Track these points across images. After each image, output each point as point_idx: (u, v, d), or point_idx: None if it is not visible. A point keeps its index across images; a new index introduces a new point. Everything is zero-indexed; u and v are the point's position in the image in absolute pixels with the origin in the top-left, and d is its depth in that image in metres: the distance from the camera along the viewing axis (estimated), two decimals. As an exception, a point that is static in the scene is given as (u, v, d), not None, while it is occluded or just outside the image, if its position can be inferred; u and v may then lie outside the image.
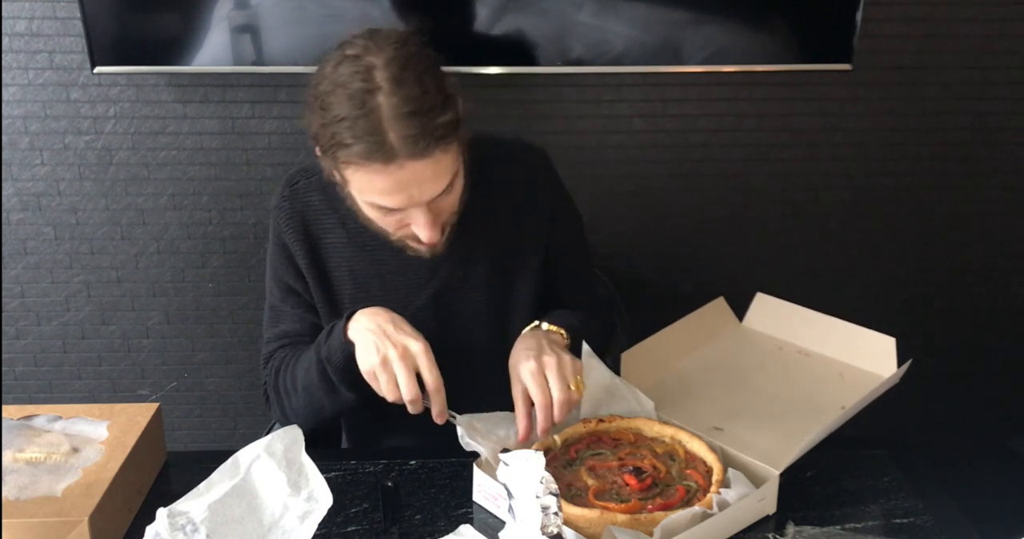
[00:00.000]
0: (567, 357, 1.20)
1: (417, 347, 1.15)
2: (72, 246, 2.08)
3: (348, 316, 1.22)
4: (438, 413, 1.17)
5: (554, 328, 1.29)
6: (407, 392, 1.14)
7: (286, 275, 1.36)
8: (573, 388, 1.18)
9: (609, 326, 1.55)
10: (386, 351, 1.15)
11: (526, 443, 1.20)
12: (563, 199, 1.43)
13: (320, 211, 1.34)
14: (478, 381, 1.24)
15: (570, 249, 1.44)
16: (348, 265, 1.35)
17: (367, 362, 1.16)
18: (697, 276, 2.17)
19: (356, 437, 1.51)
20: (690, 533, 1.04)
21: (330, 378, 1.24)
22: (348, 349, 1.20)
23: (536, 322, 1.31)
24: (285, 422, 1.32)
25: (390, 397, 1.16)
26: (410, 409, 1.16)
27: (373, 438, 1.49)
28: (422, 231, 1.18)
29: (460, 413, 1.19)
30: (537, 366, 1.17)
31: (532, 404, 1.18)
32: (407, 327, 1.18)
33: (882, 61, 2.02)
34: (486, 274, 1.36)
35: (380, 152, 1.09)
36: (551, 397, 1.16)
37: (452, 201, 1.22)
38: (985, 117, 2.09)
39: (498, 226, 1.36)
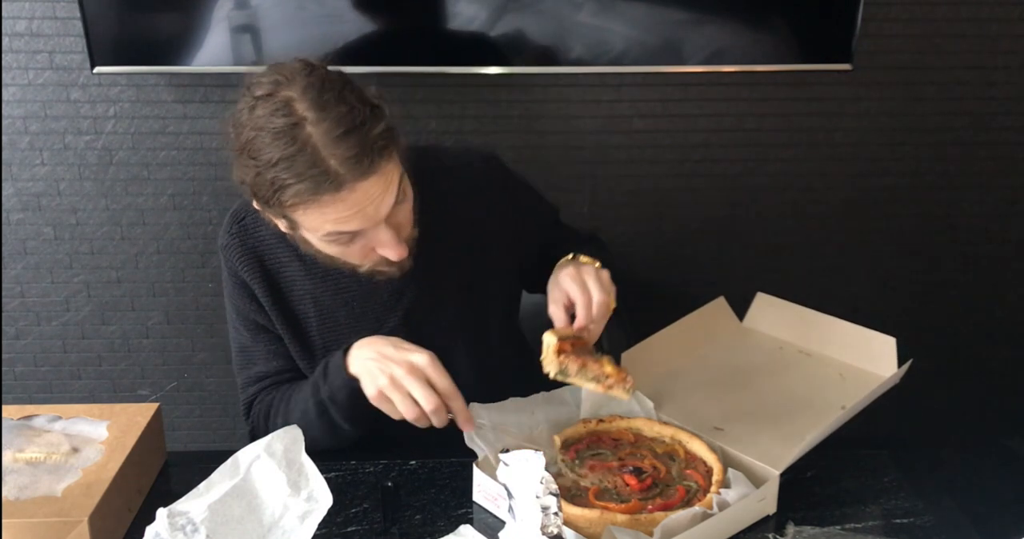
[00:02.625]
0: (605, 272, 1.23)
1: (422, 359, 1.13)
2: (72, 246, 2.08)
3: (344, 352, 1.19)
4: (464, 420, 1.16)
5: (587, 259, 1.27)
6: (428, 403, 1.12)
7: (251, 313, 1.32)
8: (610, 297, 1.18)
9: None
10: (391, 371, 1.13)
11: (526, 443, 1.20)
12: (523, 194, 1.41)
13: (273, 245, 1.30)
14: (461, 393, 1.21)
15: (550, 231, 1.44)
16: (311, 296, 1.31)
17: (373, 386, 1.14)
18: (697, 276, 2.17)
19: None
20: (690, 533, 1.04)
21: (331, 417, 1.22)
22: (352, 385, 1.17)
23: (571, 254, 1.29)
24: None
25: (410, 415, 1.13)
26: (435, 422, 1.14)
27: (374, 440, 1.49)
28: (389, 250, 1.15)
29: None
30: (576, 272, 1.19)
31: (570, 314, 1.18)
32: (407, 344, 1.16)
33: (882, 61, 2.02)
34: (455, 286, 1.34)
35: (327, 182, 1.05)
36: (591, 297, 1.17)
37: (407, 211, 1.19)
38: (985, 117, 2.09)
39: (459, 236, 1.33)
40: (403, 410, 1.13)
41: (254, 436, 1.32)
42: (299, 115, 1.06)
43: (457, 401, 1.14)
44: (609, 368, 1.15)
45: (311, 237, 1.16)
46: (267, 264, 1.30)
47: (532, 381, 1.25)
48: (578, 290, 1.17)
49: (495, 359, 1.38)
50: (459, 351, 1.34)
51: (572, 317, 1.20)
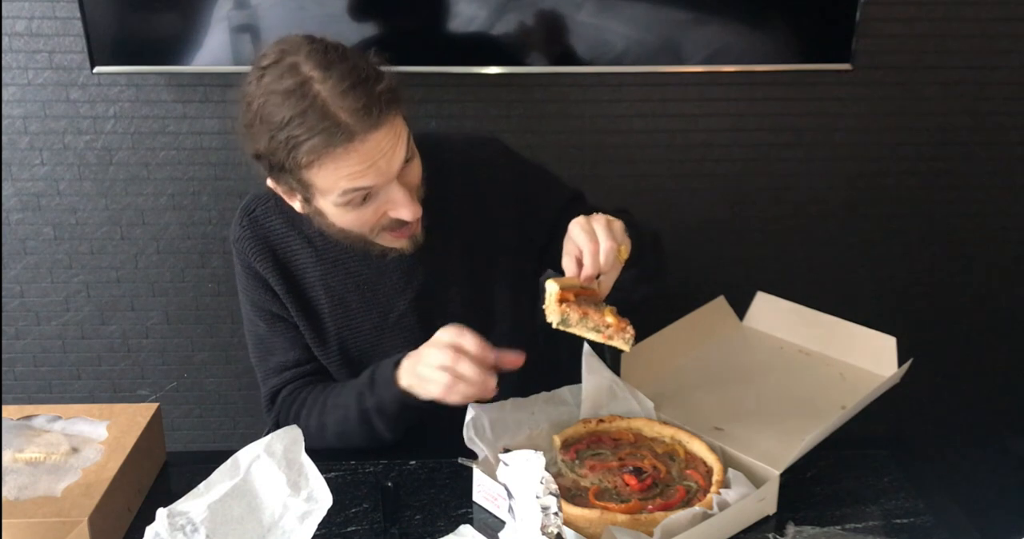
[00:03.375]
0: (617, 221, 1.18)
1: (448, 338, 1.15)
2: (72, 246, 2.08)
3: (395, 364, 1.22)
4: (510, 363, 1.16)
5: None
6: (474, 384, 1.14)
7: (267, 303, 1.34)
8: (620, 246, 1.16)
9: (653, 230, 1.43)
10: (444, 374, 1.14)
11: (527, 444, 1.20)
12: (531, 175, 1.41)
13: (284, 234, 1.33)
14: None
15: (572, 210, 1.39)
16: (323, 283, 1.33)
17: (435, 390, 1.16)
18: (697, 276, 2.17)
19: None
20: (690, 533, 1.04)
21: (374, 425, 1.25)
22: (404, 399, 1.21)
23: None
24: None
25: (478, 389, 1.15)
26: (490, 389, 1.15)
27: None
28: (404, 209, 1.17)
29: (452, 411, 1.19)
30: (586, 221, 1.16)
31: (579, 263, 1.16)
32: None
33: (882, 61, 2.02)
34: (462, 269, 1.35)
35: (339, 134, 1.09)
36: (598, 245, 1.14)
37: (416, 170, 1.22)
38: (985, 117, 2.09)
39: (466, 220, 1.35)
40: (472, 393, 1.15)
41: (277, 426, 1.34)
42: (306, 75, 1.10)
43: (490, 359, 1.15)
44: (611, 318, 1.12)
45: (326, 205, 1.18)
46: (279, 253, 1.33)
47: (543, 367, 1.28)
48: (586, 238, 1.14)
49: (505, 344, 1.39)
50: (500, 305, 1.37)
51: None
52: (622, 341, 1.13)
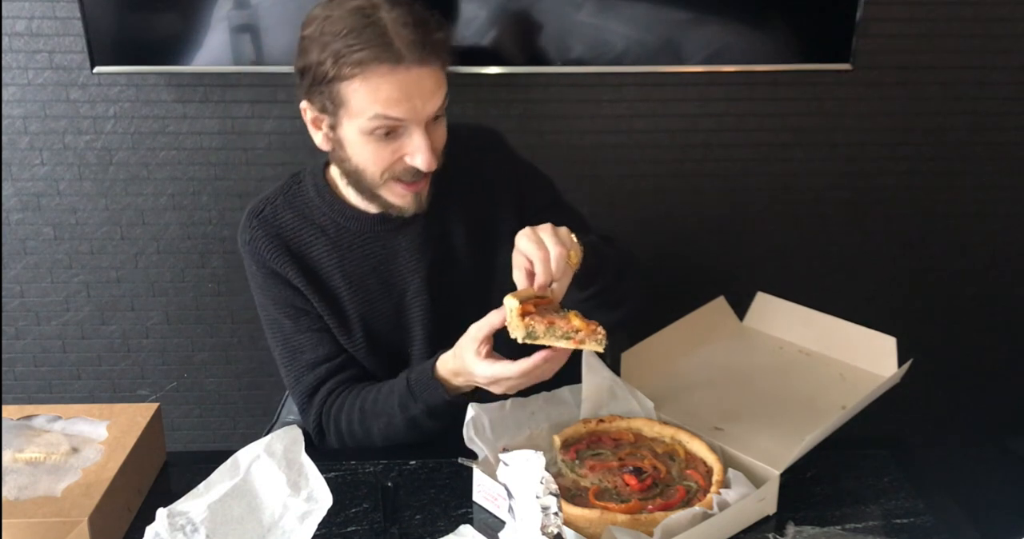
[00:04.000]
0: (563, 228, 1.18)
1: (489, 378, 1.16)
2: (72, 246, 2.08)
3: (432, 368, 1.24)
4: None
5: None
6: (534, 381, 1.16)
7: (289, 298, 1.35)
8: (571, 252, 1.16)
9: (625, 253, 1.44)
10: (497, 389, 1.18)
11: (527, 444, 1.20)
12: (525, 170, 1.45)
13: (297, 227, 1.35)
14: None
15: (551, 209, 1.43)
16: (340, 269, 1.35)
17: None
18: (697, 276, 2.17)
19: None
20: (690, 533, 1.04)
21: (422, 428, 1.28)
22: (454, 400, 1.23)
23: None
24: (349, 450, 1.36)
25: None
26: (554, 368, 1.16)
27: None
28: (422, 155, 1.20)
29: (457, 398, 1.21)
30: (532, 232, 1.16)
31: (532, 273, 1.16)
32: (476, 375, 1.18)
33: (882, 61, 2.02)
34: (468, 249, 1.39)
35: (388, 54, 1.15)
36: (547, 252, 1.13)
37: (442, 133, 1.26)
38: (985, 117, 2.09)
39: (470, 201, 1.39)
40: (540, 373, 1.15)
41: (320, 430, 1.36)
42: (375, 2, 1.18)
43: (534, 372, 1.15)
44: (577, 321, 1.11)
45: (350, 131, 1.22)
46: (293, 247, 1.35)
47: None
48: (535, 248, 1.14)
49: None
50: (471, 310, 1.35)
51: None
52: (595, 343, 1.11)
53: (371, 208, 1.34)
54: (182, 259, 2.11)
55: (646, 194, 2.11)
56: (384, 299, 1.37)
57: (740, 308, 1.48)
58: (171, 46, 1.87)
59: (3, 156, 2.01)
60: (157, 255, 2.10)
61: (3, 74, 1.95)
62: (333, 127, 1.24)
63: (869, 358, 1.32)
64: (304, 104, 1.26)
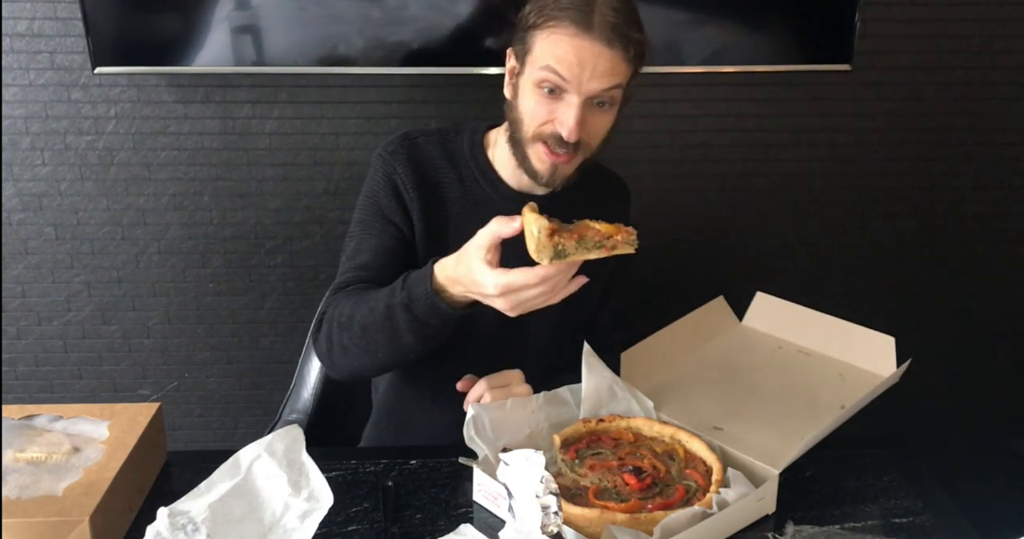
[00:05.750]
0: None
1: (494, 290, 1.10)
2: (73, 246, 2.09)
3: (430, 271, 1.18)
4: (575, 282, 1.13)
5: None
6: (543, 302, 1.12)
7: (392, 212, 1.38)
8: None
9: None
10: (499, 304, 1.12)
11: (527, 443, 1.20)
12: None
13: (440, 165, 1.40)
14: (530, 363, 1.34)
15: (620, 277, 1.51)
16: (458, 219, 1.39)
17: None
18: (697, 276, 2.17)
19: (375, 434, 1.53)
20: (690, 533, 1.04)
21: (396, 322, 1.20)
22: (434, 300, 1.16)
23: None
24: (328, 362, 1.32)
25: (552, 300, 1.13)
26: (560, 296, 1.12)
27: (386, 435, 1.50)
28: (566, 125, 1.24)
29: (452, 411, 1.19)
30: None
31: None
32: (475, 285, 1.12)
33: (882, 61, 2.02)
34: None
35: (583, 20, 1.21)
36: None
37: (602, 124, 1.29)
38: (985, 117, 2.09)
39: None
40: (547, 294, 1.11)
41: (320, 319, 1.33)
42: None
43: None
44: (604, 227, 1.07)
45: (527, 79, 1.27)
46: (428, 178, 1.39)
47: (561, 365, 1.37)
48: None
49: (546, 335, 1.45)
50: (543, 327, 1.41)
51: None
52: (628, 245, 1.08)
53: (512, 180, 1.39)
54: (183, 259, 2.11)
55: (646, 194, 2.11)
56: None
57: (740, 308, 1.49)
58: (172, 47, 1.88)
59: (4, 156, 2.01)
60: (158, 255, 2.10)
61: (4, 75, 1.95)
62: (518, 75, 1.30)
63: (868, 358, 1.33)
64: (509, 51, 1.33)
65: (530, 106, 1.27)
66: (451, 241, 1.36)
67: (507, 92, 1.34)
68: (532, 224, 1.05)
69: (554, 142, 1.27)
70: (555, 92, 1.25)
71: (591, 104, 1.25)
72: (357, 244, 1.39)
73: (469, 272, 1.12)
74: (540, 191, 1.38)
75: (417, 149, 1.40)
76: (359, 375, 1.35)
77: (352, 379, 1.37)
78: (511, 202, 1.37)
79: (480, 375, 1.32)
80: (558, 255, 1.05)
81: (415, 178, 1.38)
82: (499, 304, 1.11)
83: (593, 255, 1.07)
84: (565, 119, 1.25)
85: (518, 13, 1.31)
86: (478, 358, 1.36)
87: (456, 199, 1.40)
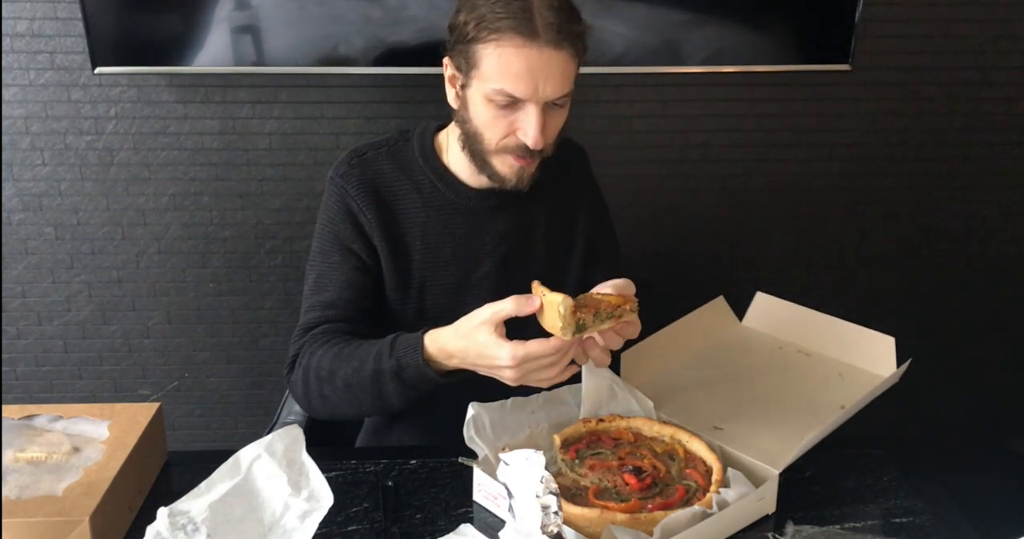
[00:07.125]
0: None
1: (507, 361, 1.12)
2: (73, 246, 2.09)
3: (420, 338, 1.20)
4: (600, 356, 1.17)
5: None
6: (551, 380, 1.15)
7: (348, 239, 1.36)
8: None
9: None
10: (506, 375, 1.13)
11: (527, 443, 1.20)
12: (596, 190, 1.52)
13: (394, 178, 1.38)
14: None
15: (602, 234, 1.51)
16: (421, 229, 1.37)
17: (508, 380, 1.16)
18: (697, 276, 2.17)
19: (371, 434, 1.53)
20: (690, 532, 1.04)
21: (383, 388, 1.22)
22: (424, 371, 1.19)
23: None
24: (306, 405, 1.32)
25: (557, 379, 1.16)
26: (567, 376, 1.16)
27: (384, 436, 1.50)
28: (530, 133, 1.23)
29: (453, 411, 1.19)
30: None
31: None
32: (486, 352, 1.14)
33: (881, 61, 2.02)
34: (544, 249, 1.43)
35: (526, 29, 1.19)
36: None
37: (560, 120, 1.29)
38: (985, 117, 2.09)
39: (553, 207, 1.44)
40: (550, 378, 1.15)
41: (293, 363, 1.33)
42: None
43: (560, 354, 1.13)
44: (611, 298, 1.13)
45: (476, 94, 1.25)
46: (383, 194, 1.37)
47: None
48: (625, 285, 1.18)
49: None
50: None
51: None
52: (631, 311, 1.14)
53: (471, 180, 1.37)
54: (183, 259, 2.11)
55: (646, 194, 2.11)
56: (452, 271, 1.38)
57: (740, 308, 1.49)
58: (172, 47, 1.88)
59: (5, 156, 2.01)
60: (158, 255, 2.10)
61: (4, 75, 1.95)
62: (464, 87, 1.28)
63: (868, 358, 1.33)
64: (446, 60, 1.31)
65: (486, 121, 1.26)
66: (418, 253, 1.37)
67: (453, 102, 1.32)
68: (559, 303, 1.10)
69: (520, 151, 1.27)
70: (511, 105, 1.24)
71: (548, 107, 1.25)
72: (318, 277, 1.37)
73: (478, 345, 1.13)
74: (503, 187, 1.35)
75: (367, 166, 1.37)
76: (339, 419, 1.37)
77: (331, 421, 1.38)
78: (474, 202, 1.37)
79: (475, 381, 1.30)
80: (579, 329, 1.11)
81: (369, 198, 1.35)
82: (508, 374, 1.13)
83: (606, 326, 1.13)
84: (528, 129, 1.24)
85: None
86: None
87: (417, 210, 1.37)
